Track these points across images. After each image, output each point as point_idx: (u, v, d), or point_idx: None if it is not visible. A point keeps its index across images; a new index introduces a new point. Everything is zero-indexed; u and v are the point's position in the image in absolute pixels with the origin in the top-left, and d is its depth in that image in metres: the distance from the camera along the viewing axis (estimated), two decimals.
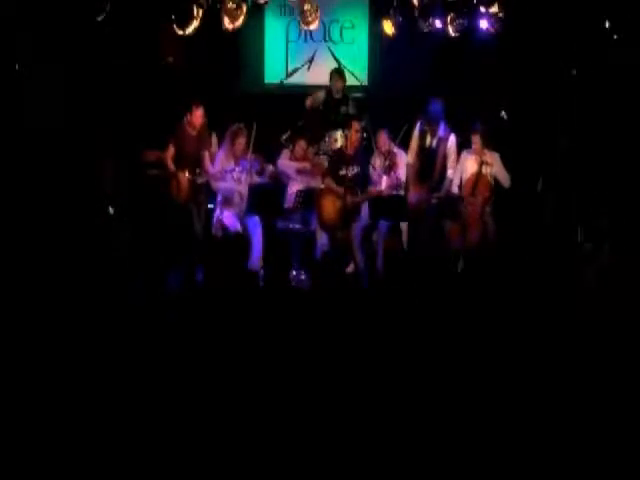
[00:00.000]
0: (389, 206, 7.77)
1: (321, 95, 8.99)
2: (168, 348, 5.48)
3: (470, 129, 8.03)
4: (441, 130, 8.11)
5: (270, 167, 8.14)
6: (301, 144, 8.33)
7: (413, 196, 8.05)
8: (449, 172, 8.09)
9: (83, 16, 7.59)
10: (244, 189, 7.90)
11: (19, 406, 4.49)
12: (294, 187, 8.18)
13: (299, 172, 8.26)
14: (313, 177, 8.27)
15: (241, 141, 7.82)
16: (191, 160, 7.80)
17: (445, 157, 8.09)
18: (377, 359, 5.39)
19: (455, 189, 8.11)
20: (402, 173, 8.10)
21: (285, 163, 8.30)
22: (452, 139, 8.12)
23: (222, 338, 5.77)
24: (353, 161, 7.91)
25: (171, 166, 7.78)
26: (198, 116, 7.78)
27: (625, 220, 7.57)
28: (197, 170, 7.79)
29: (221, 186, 7.86)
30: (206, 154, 7.93)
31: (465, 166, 8.06)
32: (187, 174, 7.76)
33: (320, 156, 8.56)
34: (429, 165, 8.10)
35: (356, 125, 8.00)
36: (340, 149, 8.28)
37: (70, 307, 6.27)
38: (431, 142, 8.13)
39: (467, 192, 7.97)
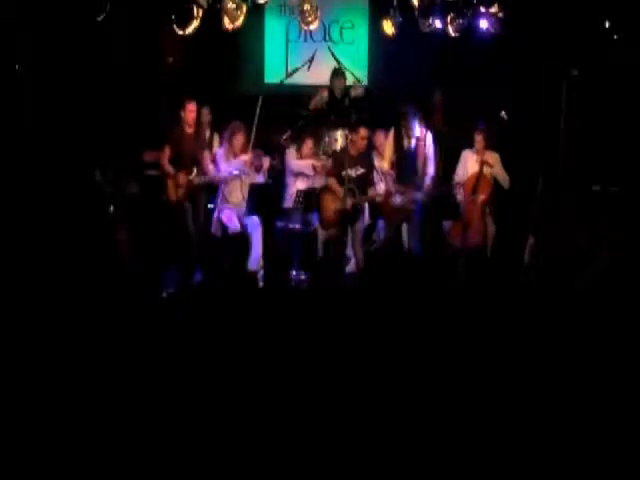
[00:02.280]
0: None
1: (324, 95, 8.99)
2: (167, 348, 5.47)
3: (473, 128, 8.03)
4: (417, 129, 8.10)
5: (267, 161, 8.11)
6: (308, 143, 8.28)
7: (398, 199, 7.99)
8: (430, 169, 8.09)
9: (83, 16, 7.59)
10: (245, 189, 7.94)
11: (19, 405, 4.49)
12: (294, 187, 8.17)
13: (314, 170, 8.22)
14: (319, 176, 8.27)
15: (239, 138, 7.82)
16: (189, 159, 7.79)
17: (425, 156, 8.08)
18: (377, 359, 5.39)
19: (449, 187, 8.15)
20: None
21: (298, 163, 8.23)
22: (429, 137, 8.13)
23: (221, 338, 5.76)
24: (357, 162, 7.89)
25: (166, 167, 7.77)
26: (191, 111, 7.76)
27: (626, 219, 7.57)
28: (194, 170, 7.78)
29: (222, 176, 7.86)
30: (206, 153, 7.94)
31: (466, 166, 8.06)
32: (185, 174, 7.75)
33: (322, 157, 8.56)
34: (411, 165, 8.08)
35: (362, 132, 7.90)
36: (343, 150, 8.25)
37: (70, 306, 6.27)
38: (409, 143, 8.13)
39: (467, 192, 7.96)
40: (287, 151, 8.40)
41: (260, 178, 8.10)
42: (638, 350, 5.50)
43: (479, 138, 7.94)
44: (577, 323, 6.15)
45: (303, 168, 8.20)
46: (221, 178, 7.84)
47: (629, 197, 7.83)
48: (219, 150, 8.01)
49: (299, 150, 8.30)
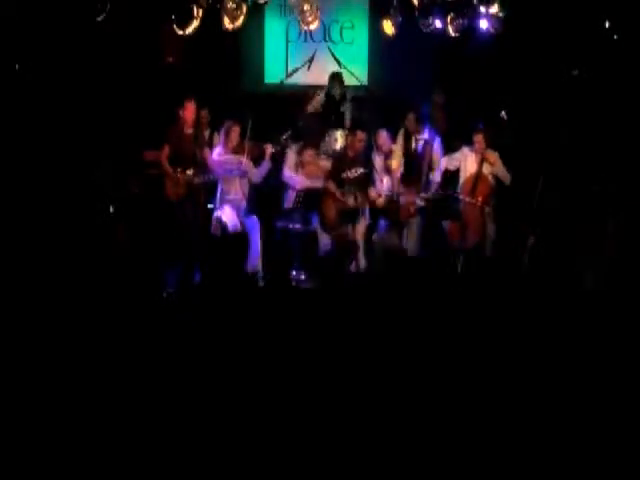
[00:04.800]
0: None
1: (320, 97, 8.99)
2: (167, 348, 5.47)
3: (473, 128, 8.03)
4: (426, 133, 8.13)
5: (269, 147, 8.07)
6: (309, 152, 8.23)
7: (402, 199, 8.03)
8: (436, 174, 8.10)
9: (83, 16, 7.59)
10: (245, 188, 7.94)
11: (19, 405, 4.49)
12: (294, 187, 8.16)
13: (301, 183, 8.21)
14: (317, 178, 8.24)
15: (235, 129, 7.84)
16: (188, 158, 7.80)
17: (431, 160, 8.10)
18: (377, 359, 5.39)
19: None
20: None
21: (290, 176, 8.17)
22: (437, 142, 8.14)
23: (222, 338, 5.76)
24: (356, 163, 7.89)
25: (167, 166, 7.78)
26: (190, 110, 7.77)
27: (627, 218, 7.57)
28: (192, 169, 7.76)
29: (220, 172, 7.87)
30: (206, 151, 7.94)
31: (465, 165, 8.05)
32: (184, 173, 7.75)
33: (322, 157, 8.54)
34: (415, 168, 8.10)
35: (360, 135, 7.90)
36: (342, 151, 8.24)
37: (70, 306, 6.28)
38: (416, 145, 8.15)
39: (466, 191, 7.96)
40: (288, 154, 8.35)
41: (259, 176, 8.08)
42: (638, 350, 5.51)
43: (478, 138, 7.93)
44: (577, 323, 6.15)
45: (290, 181, 8.12)
46: (219, 177, 7.86)
47: (629, 197, 7.83)
48: (217, 147, 8.02)
49: (300, 155, 8.23)
